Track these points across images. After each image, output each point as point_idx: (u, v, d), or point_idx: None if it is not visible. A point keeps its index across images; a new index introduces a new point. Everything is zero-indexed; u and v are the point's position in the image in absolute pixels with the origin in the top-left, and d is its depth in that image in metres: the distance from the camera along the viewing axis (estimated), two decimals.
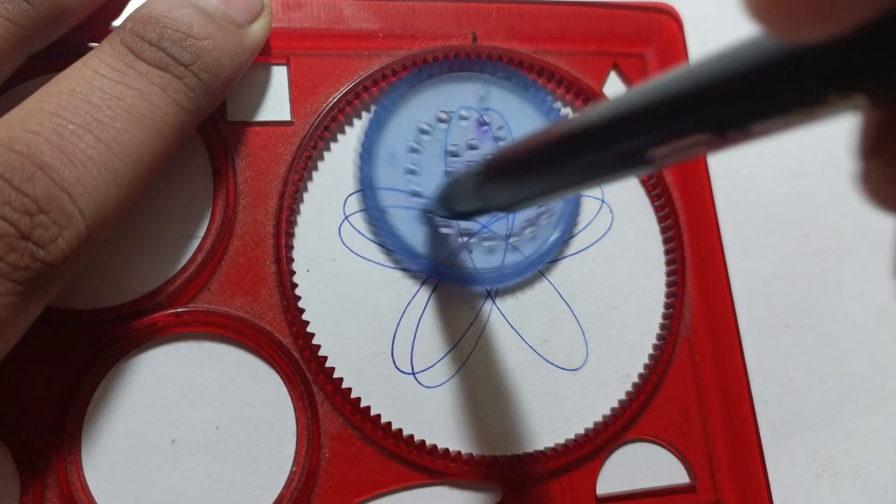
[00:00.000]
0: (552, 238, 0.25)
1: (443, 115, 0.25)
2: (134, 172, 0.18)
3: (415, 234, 0.24)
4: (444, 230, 0.25)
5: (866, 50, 0.10)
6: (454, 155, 0.25)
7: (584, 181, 0.17)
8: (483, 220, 0.25)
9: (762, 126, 0.12)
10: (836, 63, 0.10)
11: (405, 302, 0.24)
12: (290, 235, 0.23)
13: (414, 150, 0.25)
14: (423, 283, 0.24)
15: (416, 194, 0.24)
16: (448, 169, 0.25)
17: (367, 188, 0.24)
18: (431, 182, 0.25)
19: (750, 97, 0.12)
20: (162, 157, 0.19)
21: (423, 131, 0.25)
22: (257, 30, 0.22)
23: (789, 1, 0.09)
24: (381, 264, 0.24)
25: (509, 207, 0.21)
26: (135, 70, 0.19)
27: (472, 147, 0.25)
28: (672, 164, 0.14)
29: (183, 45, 0.19)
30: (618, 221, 0.27)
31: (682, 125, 0.13)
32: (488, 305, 0.25)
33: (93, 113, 0.18)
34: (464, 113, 0.25)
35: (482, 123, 0.25)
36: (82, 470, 0.20)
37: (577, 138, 0.16)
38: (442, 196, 0.23)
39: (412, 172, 0.24)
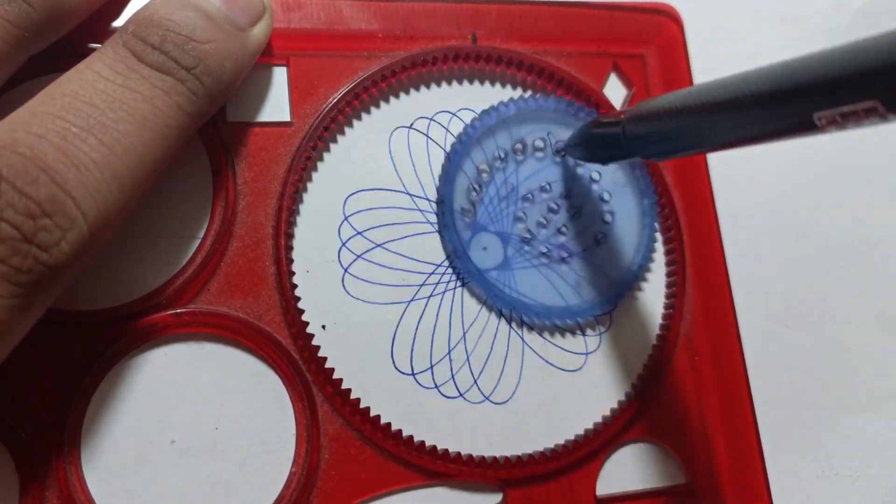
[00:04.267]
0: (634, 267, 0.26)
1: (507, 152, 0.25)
2: (136, 175, 0.18)
3: (531, 284, 0.25)
4: (579, 170, 0.25)
5: None
6: (526, 199, 0.25)
7: (747, 140, 0.18)
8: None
9: None
10: None
11: (405, 302, 0.24)
12: (290, 236, 0.23)
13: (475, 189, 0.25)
14: (422, 285, 0.24)
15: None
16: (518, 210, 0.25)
17: (459, 257, 0.24)
18: (504, 219, 0.25)
19: None
20: (164, 159, 0.19)
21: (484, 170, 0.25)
22: (259, 32, 0.22)
23: None
24: (381, 265, 0.24)
25: (656, 156, 0.22)
26: (137, 73, 0.19)
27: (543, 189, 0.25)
28: (837, 130, 0.14)
29: (185, 49, 0.19)
30: (618, 221, 0.26)
31: (854, 94, 0.14)
32: (488, 305, 0.25)
33: (96, 116, 0.18)
34: (538, 143, 0.26)
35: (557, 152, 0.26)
36: (82, 470, 0.20)
37: (750, 99, 0.16)
38: (582, 137, 0.24)
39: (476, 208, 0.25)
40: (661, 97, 0.21)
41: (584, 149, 0.24)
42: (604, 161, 0.25)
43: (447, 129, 0.26)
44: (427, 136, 0.25)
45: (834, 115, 0.14)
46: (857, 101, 0.14)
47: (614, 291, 0.25)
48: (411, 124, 0.25)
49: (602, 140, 0.23)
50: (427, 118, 0.25)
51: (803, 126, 0.15)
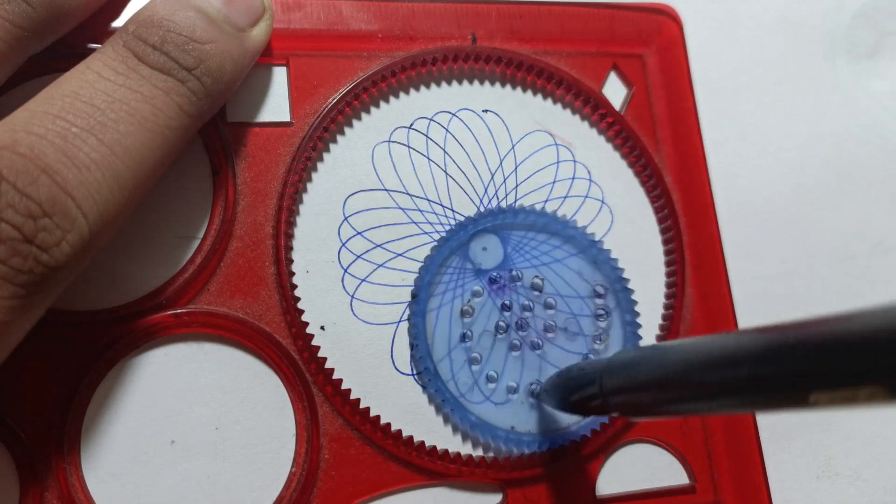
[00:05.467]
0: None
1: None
2: (136, 176, 0.18)
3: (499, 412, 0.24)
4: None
5: None
6: (506, 308, 0.24)
7: (736, 410, 0.16)
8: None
9: None
10: None
11: (405, 303, 0.24)
12: (290, 236, 0.23)
13: (465, 314, 0.24)
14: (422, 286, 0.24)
15: (474, 362, 0.24)
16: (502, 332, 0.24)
17: (431, 379, 0.23)
18: (487, 348, 0.24)
19: None
20: (164, 160, 0.19)
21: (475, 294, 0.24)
22: (259, 33, 0.22)
23: None
24: (381, 265, 0.24)
25: (634, 416, 0.20)
26: (138, 73, 0.19)
27: (525, 308, 0.25)
28: (830, 408, 0.13)
29: (186, 49, 0.19)
30: (618, 222, 0.27)
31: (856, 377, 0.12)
32: (489, 306, 0.25)
33: (96, 116, 0.18)
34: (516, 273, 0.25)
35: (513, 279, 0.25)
36: (82, 471, 0.20)
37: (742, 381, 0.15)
38: (556, 385, 0.22)
39: (466, 338, 0.24)
40: (638, 355, 0.18)
41: (559, 397, 0.22)
42: (583, 415, 0.23)
43: (447, 130, 0.26)
44: (427, 136, 0.25)
45: (832, 397, 0.13)
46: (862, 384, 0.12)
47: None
48: (411, 124, 0.25)
49: (577, 389, 0.21)
50: (427, 118, 0.25)
51: (796, 403, 0.14)
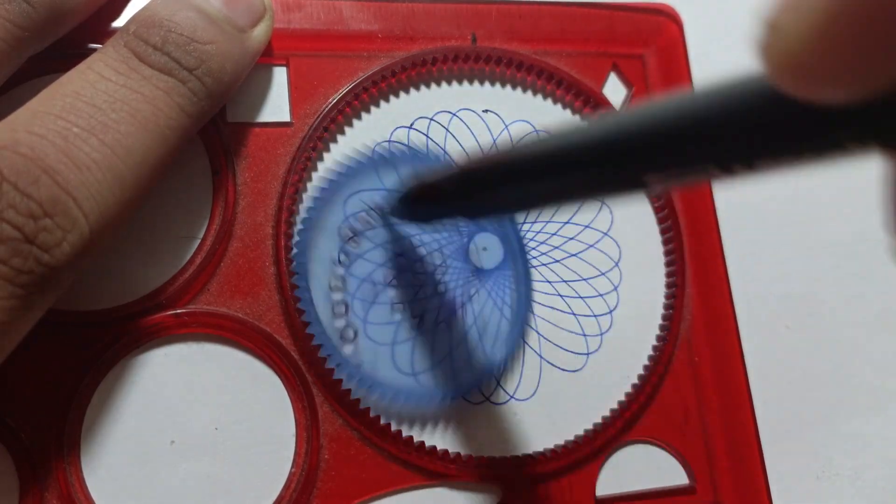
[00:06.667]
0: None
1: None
2: (137, 176, 0.18)
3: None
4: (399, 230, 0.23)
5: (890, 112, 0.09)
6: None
7: (575, 198, 0.17)
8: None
9: (772, 165, 0.12)
10: (860, 120, 0.10)
11: (405, 303, 0.24)
12: (290, 237, 0.23)
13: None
14: (421, 287, 0.24)
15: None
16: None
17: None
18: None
19: (763, 139, 0.11)
20: (165, 160, 0.19)
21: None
22: (259, 34, 0.22)
23: (815, 68, 0.09)
24: (380, 265, 0.24)
25: (481, 216, 0.20)
26: (139, 74, 0.19)
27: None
28: (668, 189, 0.13)
29: (187, 50, 0.19)
30: (618, 221, 0.27)
31: (688, 158, 0.13)
32: (489, 305, 0.25)
33: (97, 116, 0.18)
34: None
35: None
36: (82, 471, 0.20)
37: (577, 157, 0.15)
38: (406, 195, 0.21)
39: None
40: (486, 154, 0.19)
41: (406, 208, 0.22)
42: (426, 220, 0.23)
43: (447, 130, 0.26)
44: (427, 136, 0.25)
45: (664, 176, 0.13)
46: (693, 164, 0.13)
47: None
48: (411, 124, 0.25)
49: (423, 197, 0.21)
50: (427, 118, 0.25)
51: (631, 186, 0.14)
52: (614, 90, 0.27)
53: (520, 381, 0.24)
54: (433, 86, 0.26)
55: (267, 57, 0.24)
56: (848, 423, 0.27)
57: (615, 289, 0.26)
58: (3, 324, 0.16)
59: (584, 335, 0.25)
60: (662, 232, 0.27)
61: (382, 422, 0.22)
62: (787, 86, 0.10)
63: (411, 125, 0.25)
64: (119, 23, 0.23)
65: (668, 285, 0.26)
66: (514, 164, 0.17)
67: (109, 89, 0.18)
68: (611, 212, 0.26)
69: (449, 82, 0.26)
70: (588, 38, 0.27)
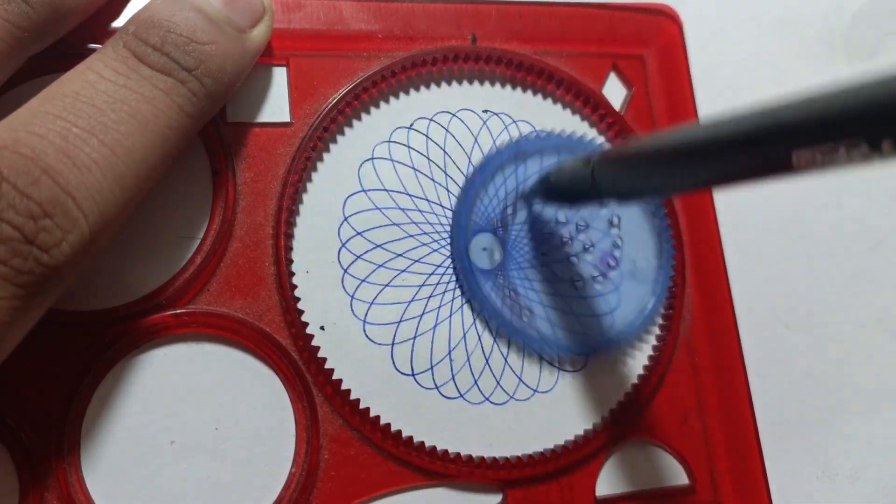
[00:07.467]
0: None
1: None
2: (137, 176, 0.18)
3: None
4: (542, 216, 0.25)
5: None
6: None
7: (722, 182, 0.17)
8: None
9: None
10: None
11: (405, 303, 0.24)
12: (290, 237, 0.23)
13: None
14: (422, 286, 0.24)
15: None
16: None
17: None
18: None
19: None
20: (165, 160, 0.19)
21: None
22: (259, 34, 0.22)
23: None
24: (380, 265, 0.24)
25: (625, 199, 0.21)
26: (138, 74, 0.19)
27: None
28: (816, 171, 0.14)
29: (186, 50, 0.19)
30: (617, 221, 0.26)
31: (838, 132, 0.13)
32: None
33: (97, 116, 0.18)
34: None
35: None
36: (82, 471, 0.20)
37: (725, 147, 0.16)
38: (549, 178, 0.23)
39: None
40: (632, 141, 0.20)
41: (551, 191, 0.23)
42: (571, 203, 0.24)
43: (447, 130, 0.26)
44: (427, 136, 0.25)
45: (813, 154, 0.14)
46: (840, 139, 0.13)
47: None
48: (411, 124, 0.25)
49: (570, 182, 0.22)
50: (427, 118, 0.25)
51: (780, 167, 0.15)
52: (614, 90, 0.27)
53: (520, 382, 0.24)
54: (433, 86, 0.26)
55: (267, 57, 0.24)
56: (848, 423, 0.27)
57: (616, 289, 0.26)
58: (3, 324, 0.16)
59: (585, 335, 0.25)
60: (662, 232, 0.27)
61: (382, 422, 0.22)
62: None
63: (411, 125, 0.25)
64: (119, 23, 0.23)
65: (669, 285, 0.26)
66: (675, 149, 0.18)
67: (109, 89, 0.18)
68: (611, 211, 0.26)
69: (449, 82, 0.26)
70: (588, 39, 0.27)
